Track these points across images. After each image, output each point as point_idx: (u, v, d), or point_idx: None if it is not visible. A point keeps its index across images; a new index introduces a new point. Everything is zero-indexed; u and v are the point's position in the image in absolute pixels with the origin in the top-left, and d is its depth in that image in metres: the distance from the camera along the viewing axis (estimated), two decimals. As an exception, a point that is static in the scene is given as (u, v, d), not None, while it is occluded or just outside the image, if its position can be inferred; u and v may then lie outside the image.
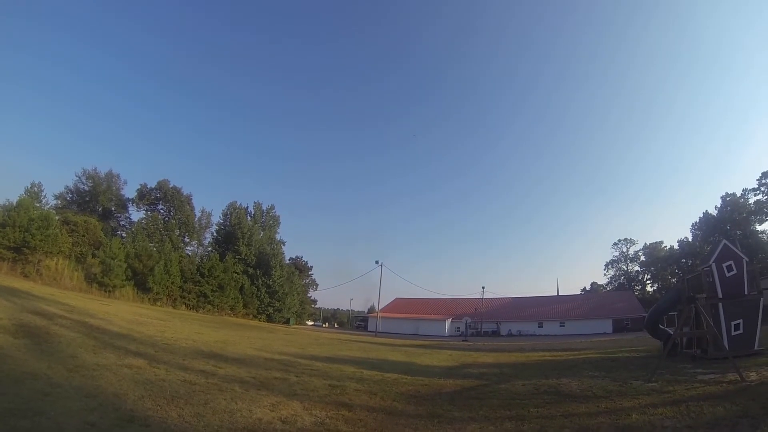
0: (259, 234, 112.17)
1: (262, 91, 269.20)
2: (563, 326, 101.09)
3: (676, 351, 31.46)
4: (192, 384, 15.53)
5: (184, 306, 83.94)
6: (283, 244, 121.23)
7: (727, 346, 25.69)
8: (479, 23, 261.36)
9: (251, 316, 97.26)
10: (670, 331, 35.49)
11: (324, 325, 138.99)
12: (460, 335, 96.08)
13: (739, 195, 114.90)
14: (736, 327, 28.80)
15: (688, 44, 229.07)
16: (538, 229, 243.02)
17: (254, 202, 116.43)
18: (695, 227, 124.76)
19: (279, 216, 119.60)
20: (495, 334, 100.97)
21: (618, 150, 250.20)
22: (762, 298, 30.11)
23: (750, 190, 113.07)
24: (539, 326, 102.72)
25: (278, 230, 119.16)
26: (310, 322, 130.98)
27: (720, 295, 29.65)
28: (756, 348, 27.88)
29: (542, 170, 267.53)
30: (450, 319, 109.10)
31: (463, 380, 23.48)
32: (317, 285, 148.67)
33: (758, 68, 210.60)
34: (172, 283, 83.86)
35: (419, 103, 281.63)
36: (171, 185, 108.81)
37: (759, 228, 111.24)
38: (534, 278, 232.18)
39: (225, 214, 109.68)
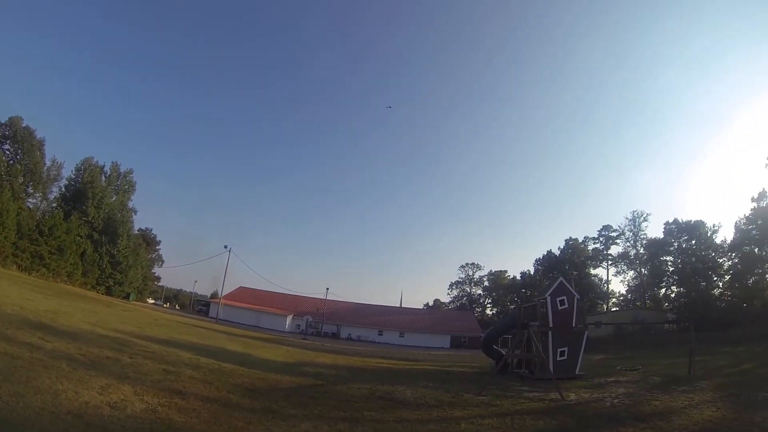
0: (112, 197, 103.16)
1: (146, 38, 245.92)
2: (403, 337, 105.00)
3: (507, 370, 34.53)
4: (14, 358, 14.21)
5: (15, 266, 74.79)
6: (135, 213, 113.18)
7: (552, 370, 28.49)
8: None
9: (90, 286, 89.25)
10: (503, 351, 38.63)
11: (165, 305, 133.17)
12: (300, 332, 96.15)
13: (580, 241, 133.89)
14: (562, 354, 32.43)
15: (550, 97, 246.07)
16: (391, 238, 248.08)
17: (112, 162, 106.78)
18: (538, 262, 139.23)
19: (136, 182, 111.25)
20: (335, 336, 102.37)
21: (476, 178, 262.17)
22: (587, 331, 34.06)
23: (590, 238, 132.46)
24: (379, 334, 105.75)
25: (132, 197, 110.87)
26: (150, 300, 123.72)
27: (551, 325, 33.63)
28: (577, 373, 31.32)
29: (401, 177, 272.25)
30: (291, 316, 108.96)
31: (300, 378, 23.74)
32: (163, 262, 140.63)
33: (595, 125, 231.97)
34: (5, 238, 74.01)
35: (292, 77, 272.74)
36: (24, 124, 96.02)
37: (593, 272, 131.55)
38: (379, 287, 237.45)
39: (78, 169, 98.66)
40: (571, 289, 34.87)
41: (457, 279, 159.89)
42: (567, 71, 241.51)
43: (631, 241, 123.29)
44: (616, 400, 20.82)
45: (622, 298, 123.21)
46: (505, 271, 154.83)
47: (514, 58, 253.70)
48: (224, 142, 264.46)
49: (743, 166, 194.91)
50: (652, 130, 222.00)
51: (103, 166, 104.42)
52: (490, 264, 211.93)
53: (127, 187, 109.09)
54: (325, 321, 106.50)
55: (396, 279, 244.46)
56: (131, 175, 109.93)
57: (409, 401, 19.36)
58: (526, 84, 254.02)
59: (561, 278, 36.52)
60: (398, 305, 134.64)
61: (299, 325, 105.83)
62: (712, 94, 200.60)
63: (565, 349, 32.68)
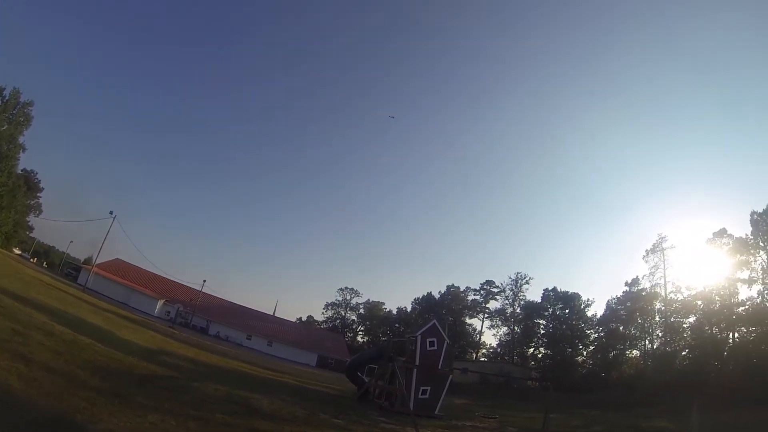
0: (3, 126, 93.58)
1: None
2: (271, 346, 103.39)
3: (367, 398, 34.85)
4: None
5: None
6: (23, 150, 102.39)
7: (411, 406, 28.70)
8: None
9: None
10: (366, 379, 38.84)
11: (32, 260, 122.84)
12: (168, 320, 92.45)
13: (462, 289, 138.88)
14: (424, 392, 33.28)
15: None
16: (277, 246, 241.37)
17: (13, 88, 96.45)
18: (416, 301, 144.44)
19: (33, 117, 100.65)
20: (203, 331, 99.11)
21: (366, 206, 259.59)
22: (451, 376, 35.02)
23: (472, 289, 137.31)
24: (248, 338, 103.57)
25: (25, 132, 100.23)
26: (17, 251, 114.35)
27: (417, 363, 34.27)
28: (436, 413, 32.00)
29: (294, 188, 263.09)
30: (163, 301, 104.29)
31: (158, 367, 22.85)
32: (41, 212, 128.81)
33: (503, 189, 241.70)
34: None
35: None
36: None
37: (468, 320, 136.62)
38: (256, 290, 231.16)
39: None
40: (442, 332, 36.04)
41: (334, 300, 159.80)
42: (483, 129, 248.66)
43: (510, 300, 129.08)
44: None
45: (492, 350, 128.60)
46: (383, 303, 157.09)
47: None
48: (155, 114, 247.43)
49: (626, 253, 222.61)
50: (552, 205, 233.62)
51: (3, 88, 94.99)
52: (369, 293, 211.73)
53: (22, 119, 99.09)
54: (196, 313, 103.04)
55: (274, 286, 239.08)
56: (30, 108, 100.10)
57: (264, 411, 19.14)
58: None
59: (435, 321, 37.76)
60: (271, 313, 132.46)
61: (169, 312, 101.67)
62: (619, 186, 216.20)
63: (428, 388, 33.59)
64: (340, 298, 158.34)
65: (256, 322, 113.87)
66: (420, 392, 32.99)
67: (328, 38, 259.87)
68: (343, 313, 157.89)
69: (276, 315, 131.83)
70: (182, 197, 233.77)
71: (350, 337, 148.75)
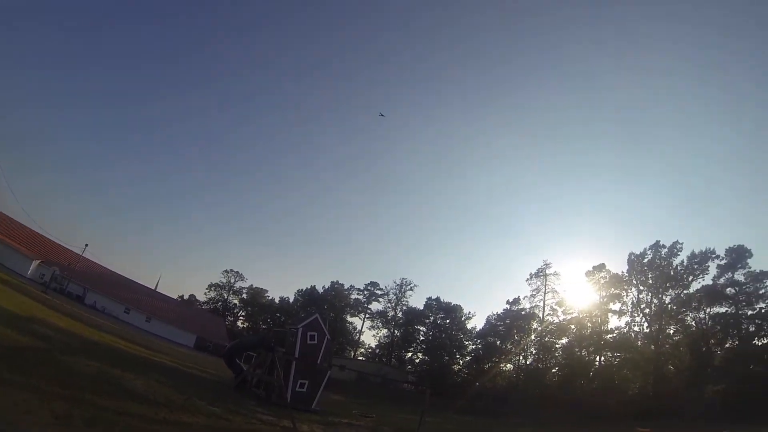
0: None
1: None
2: (149, 322, 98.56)
3: (245, 386, 33.99)
4: None
5: None
6: None
7: (289, 398, 28.36)
8: None
9: None
10: (245, 367, 38.05)
11: None
12: (42, 283, 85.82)
13: (346, 287, 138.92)
14: (302, 385, 33.23)
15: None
16: (166, 208, 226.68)
17: None
18: (299, 293, 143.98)
19: None
20: (79, 299, 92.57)
21: (256, 190, 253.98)
22: (330, 371, 35.01)
23: (356, 288, 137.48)
24: (126, 311, 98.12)
25: None
26: None
27: (296, 356, 34.16)
28: (314, 407, 31.80)
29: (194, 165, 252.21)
30: (39, 262, 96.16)
31: (27, 337, 21.13)
32: None
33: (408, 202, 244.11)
34: None
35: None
36: None
37: (350, 318, 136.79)
38: (141, 261, 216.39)
39: None
40: (324, 327, 36.16)
41: (218, 282, 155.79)
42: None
43: (393, 304, 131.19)
44: (347, 441, 21.15)
45: (371, 350, 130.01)
46: (266, 291, 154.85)
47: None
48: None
49: (511, 275, 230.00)
50: (446, 218, 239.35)
51: None
52: (254, 279, 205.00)
53: None
54: (73, 280, 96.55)
55: (159, 259, 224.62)
56: None
57: (137, 392, 18.22)
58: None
59: (317, 315, 37.83)
60: (153, 288, 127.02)
61: (44, 275, 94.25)
62: (512, 210, 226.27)
63: (306, 381, 33.62)
64: (225, 280, 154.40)
65: (136, 296, 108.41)
66: (298, 385, 32.92)
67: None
68: (225, 295, 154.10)
69: (158, 290, 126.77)
70: (73, 148, 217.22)
71: (230, 321, 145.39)
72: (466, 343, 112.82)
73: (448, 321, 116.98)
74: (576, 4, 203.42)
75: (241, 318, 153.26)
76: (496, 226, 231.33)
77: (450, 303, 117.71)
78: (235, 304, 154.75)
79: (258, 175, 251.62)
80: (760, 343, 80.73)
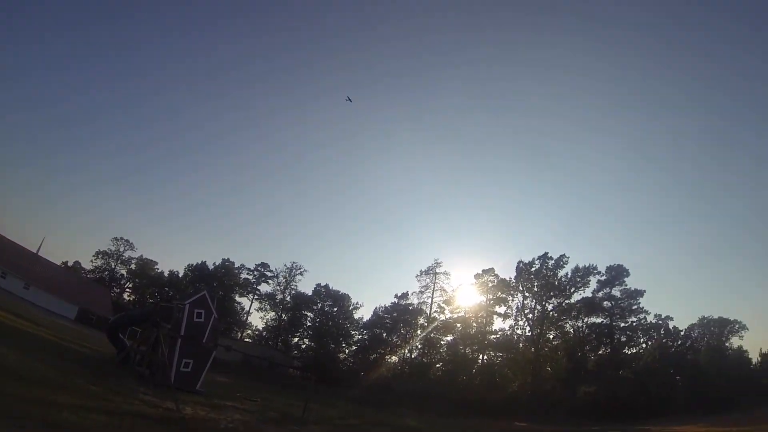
0: None
1: None
2: (28, 289, 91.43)
3: (128, 363, 32.40)
4: None
5: None
6: None
7: (172, 378, 27.36)
8: None
9: None
10: (128, 343, 36.43)
11: None
12: None
13: (236, 266, 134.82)
14: (186, 365, 32.08)
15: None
16: (54, 159, 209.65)
17: None
18: (189, 268, 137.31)
19: None
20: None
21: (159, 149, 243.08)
22: (215, 351, 34.12)
23: (246, 267, 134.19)
24: (2, 276, 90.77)
25: None
26: None
27: (182, 333, 32.87)
28: (198, 388, 30.87)
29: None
30: None
31: None
32: None
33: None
34: None
35: None
36: None
37: (238, 298, 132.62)
38: (23, 219, 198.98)
39: None
40: (211, 305, 35.19)
41: (106, 249, 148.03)
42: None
43: (282, 287, 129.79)
44: (230, 425, 20.91)
45: (258, 332, 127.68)
46: (156, 263, 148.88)
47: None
48: None
49: (402, 269, 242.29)
50: (342, 207, 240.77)
51: None
52: (144, 249, 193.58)
53: None
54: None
55: (44, 218, 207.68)
56: None
57: (11, 368, 16.97)
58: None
59: (205, 292, 36.78)
60: (35, 251, 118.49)
61: None
62: (409, 206, 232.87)
63: (191, 361, 32.40)
64: (113, 248, 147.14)
65: (14, 259, 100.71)
66: (182, 364, 31.68)
67: None
68: (113, 265, 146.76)
69: (40, 254, 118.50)
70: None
71: (117, 293, 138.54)
72: (353, 332, 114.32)
73: (335, 309, 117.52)
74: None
75: (128, 290, 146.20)
76: (390, 221, 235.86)
77: (339, 291, 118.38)
78: (123, 274, 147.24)
79: (156, 141, 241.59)
80: (629, 352, 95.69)
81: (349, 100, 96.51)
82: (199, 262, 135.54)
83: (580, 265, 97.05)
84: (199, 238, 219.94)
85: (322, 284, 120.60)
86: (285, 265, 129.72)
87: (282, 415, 29.84)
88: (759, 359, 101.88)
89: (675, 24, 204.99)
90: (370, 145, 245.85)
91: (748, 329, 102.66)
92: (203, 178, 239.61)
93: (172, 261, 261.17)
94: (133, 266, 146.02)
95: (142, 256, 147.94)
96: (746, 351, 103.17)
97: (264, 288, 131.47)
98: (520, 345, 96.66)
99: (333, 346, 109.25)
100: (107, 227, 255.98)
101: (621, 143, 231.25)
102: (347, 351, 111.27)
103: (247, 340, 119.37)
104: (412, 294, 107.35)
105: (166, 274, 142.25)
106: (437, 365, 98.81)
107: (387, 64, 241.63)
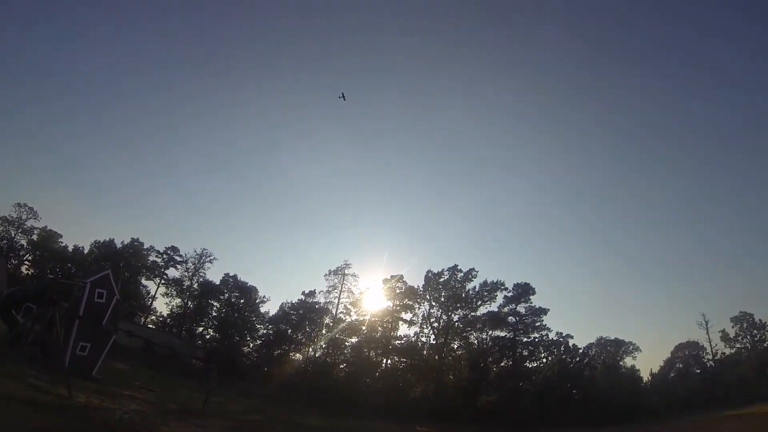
0: None
1: None
2: None
3: (20, 342, 29.93)
4: None
5: None
6: None
7: (67, 362, 25.67)
8: None
9: None
10: (21, 320, 33.89)
11: None
12: None
13: (145, 247, 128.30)
14: (83, 348, 30.01)
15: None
16: None
17: None
18: (96, 244, 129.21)
19: None
20: None
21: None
22: (115, 336, 32.28)
23: (155, 250, 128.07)
24: None
25: None
26: None
27: (80, 314, 30.55)
28: (94, 374, 29.02)
29: None
30: None
31: None
32: None
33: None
34: None
35: None
36: None
37: (144, 281, 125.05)
38: None
39: None
40: (114, 286, 33.20)
41: (6, 216, 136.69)
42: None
43: (190, 273, 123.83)
44: (126, 416, 19.54)
45: (162, 319, 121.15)
46: (60, 236, 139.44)
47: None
48: None
49: (312, 266, 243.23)
50: (256, 197, 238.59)
51: None
52: (48, 219, 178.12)
53: None
54: None
55: None
56: None
57: None
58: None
59: (110, 271, 34.80)
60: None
61: None
62: (319, 206, 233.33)
63: (88, 345, 30.53)
64: (15, 215, 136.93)
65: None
66: (79, 348, 29.66)
67: None
68: (13, 233, 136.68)
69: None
70: None
71: (14, 264, 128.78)
72: (258, 326, 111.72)
73: (242, 301, 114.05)
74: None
75: (26, 263, 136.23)
76: (303, 219, 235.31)
77: (247, 283, 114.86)
78: (23, 245, 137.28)
79: (69, 95, 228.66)
80: (530, 366, 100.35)
81: (343, 98, 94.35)
82: (107, 240, 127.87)
83: (489, 280, 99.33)
84: (110, 215, 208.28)
85: (231, 274, 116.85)
86: (195, 251, 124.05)
87: (181, 408, 28.58)
88: (649, 378, 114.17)
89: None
90: (288, 143, 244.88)
91: (641, 350, 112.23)
92: (124, 154, 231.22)
93: (79, 235, 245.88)
94: (35, 237, 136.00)
95: (46, 227, 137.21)
96: (638, 370, 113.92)
97: (172, 273, 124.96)
98: (424, 352, 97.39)
99: (238, 338, 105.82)
100: (10, 191, 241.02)
101: (533, 168, 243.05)
102: (252, 345, 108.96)
103: (150, 326, 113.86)
104: (319, 293, 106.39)
105: (70, 249, 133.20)
106: (341, 366, 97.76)
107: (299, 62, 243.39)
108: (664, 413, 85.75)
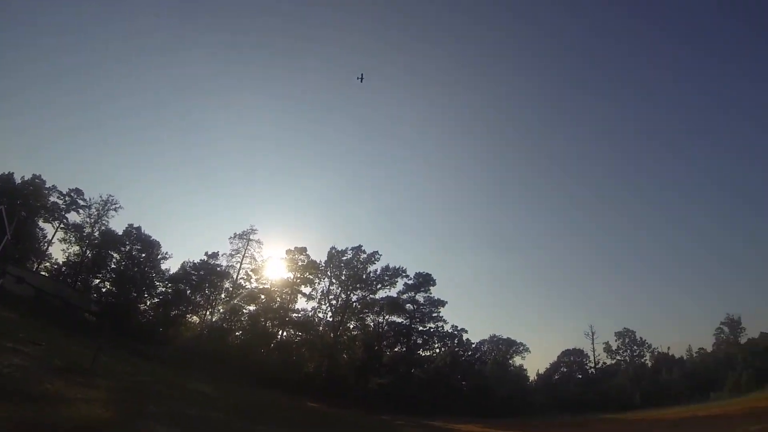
0: None
1: None
2: None
3: None
4: None
5: None
6: None
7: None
8: None
9: None
10: None
11: None
12: None
13: (48, 185, 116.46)
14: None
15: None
16: None
17: None
18: None
19: None
20: None
21: None
22: (2, 280, 30.58)
23: (57, 190, 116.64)
24: None
25: None
26: None
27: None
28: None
29: None
30: None
31: None
32: None
33: None
34: None
35: None
36: None
37: (42, 223, 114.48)
38: None
39: None
40: (6, 223, 31.11)
41: None
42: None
43: (92, 220, 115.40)
44: (6, 370, 18.66)
45: (57, 266, 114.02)
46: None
47: None
48: None
49: (218, 227, 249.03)
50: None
51: None
52: None
53: None
54: None
55: None
56: None
57: None
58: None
59: (3, 208, 32.75)
60: None
61: None
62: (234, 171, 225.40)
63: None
64: None
65: None
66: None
67: None
68: None
69: None
70: None
71: None
72: (158, 283, 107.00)
73: (144, 255, 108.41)
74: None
75: None
76: (216, 178, 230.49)
77: (150, 237, 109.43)
78: None
79: None
80: (423, 354, 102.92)
81: (361, 79, 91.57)
82: (6, 173, 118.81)
83: (391, 266, 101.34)
84: (12, 145, 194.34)
85: (135, 225, 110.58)
86: (101, 197, 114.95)
87: (68, 364, 27.48)
88: (536, 378, 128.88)
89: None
90: (211, 100, 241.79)
91: (530, 352, 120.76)
92: (39, 92, 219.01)
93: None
94: None
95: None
96: (526, 369, 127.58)
97: (72, 218, 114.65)
98: (320, 328, 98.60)
99: (135, 294, 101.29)
100: None
101: (446, 164, 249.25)
102: (149, 303, 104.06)
103: (43, 273, 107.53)
104: (222, 255, 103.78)
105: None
106: (237, 333, 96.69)
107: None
108: (547, 411, 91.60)
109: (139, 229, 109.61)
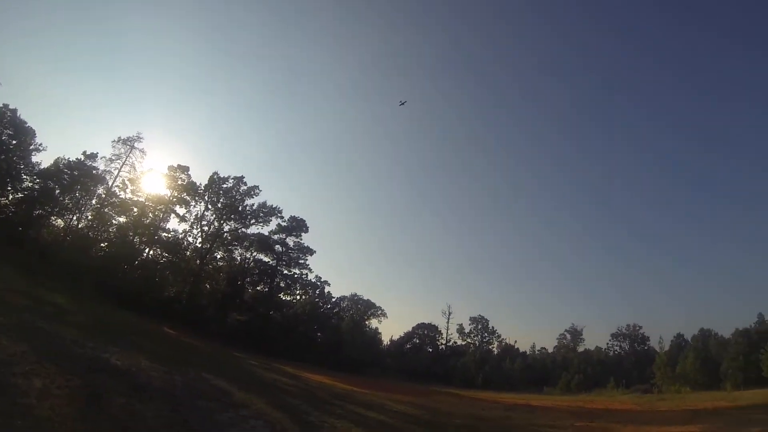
0: None
1: None
2: None
3: None
4: None
5: None
6: None
7: None
8: None
9: None
10: None
11: None
12: None
13: None
14: None
15: None
16: None
17: None
18: None
19: None
20: None
21: None
22: None
23: None
24: None
25: None
26: None
27: None
28: None
29: None
30: None
31: None
32: None
33: None
34: None
35: None
36: None
37: None
38: None
39: None
40: None
41: None
42: None
43: None
44: None
45: None
46: None
47: None
48: None
49: (99, 125, 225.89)
50: None
51: None
52: None
53: None
54: None
55: None
56: None
57: None
58: None
59: None
60: None
61: None
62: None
63: None
64: None
65: None
66: None
67: None
68: None
69: None
70: None
71: None
72: (24, 177, 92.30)
73: (14, 142, 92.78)
74: None
75: None
76: (109, 69, 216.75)
77: (26, 123, 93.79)
78: None
79: None
80: (284, 298, 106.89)
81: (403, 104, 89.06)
82: None
83: (268, 203, 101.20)
84: None
85: (11, 107, 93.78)
86: None
87: None
88: (389, 343, 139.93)
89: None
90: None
91: (387, 317, 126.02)
92: None
93: None
94: None
95: None
96: (380, 333, 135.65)
97: None
98: (188, 253, 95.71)
99: None
100: None
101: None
102: (11, 197, 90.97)
103: None
104: (101, 158, 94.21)
105: None
106: (102, 245, 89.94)
107: None
108: (394, 376, 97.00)
109: (14, 111, 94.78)
